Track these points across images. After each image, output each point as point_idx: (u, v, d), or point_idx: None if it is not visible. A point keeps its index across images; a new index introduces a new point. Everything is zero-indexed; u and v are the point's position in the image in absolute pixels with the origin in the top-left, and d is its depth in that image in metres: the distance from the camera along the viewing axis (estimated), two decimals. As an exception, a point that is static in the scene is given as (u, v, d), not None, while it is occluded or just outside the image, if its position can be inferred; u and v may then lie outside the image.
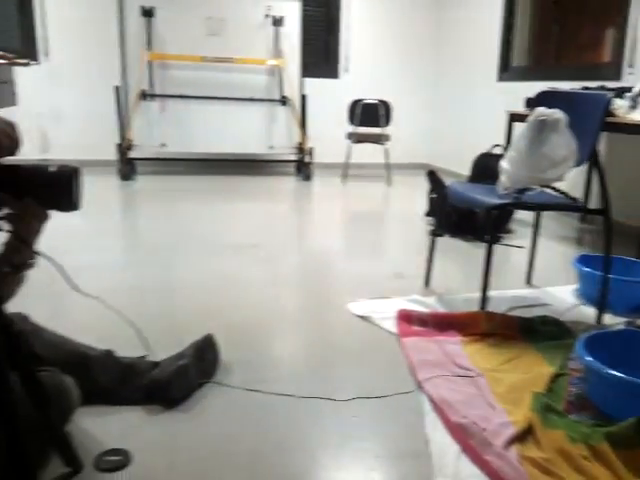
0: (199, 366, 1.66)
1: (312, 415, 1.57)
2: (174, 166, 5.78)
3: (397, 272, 2.82)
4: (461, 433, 1.47)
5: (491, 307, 2.18)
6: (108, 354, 1.60)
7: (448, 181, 2.93)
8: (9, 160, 0.97)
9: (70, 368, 1.40)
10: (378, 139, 5.52)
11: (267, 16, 5.41)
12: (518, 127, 3.30)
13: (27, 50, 5.38)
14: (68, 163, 1.00)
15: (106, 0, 5.32)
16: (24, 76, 4.35)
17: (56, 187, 0.96)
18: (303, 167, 5.67)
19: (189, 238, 3.41)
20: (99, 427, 1.46)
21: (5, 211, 0.98)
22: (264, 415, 1.56)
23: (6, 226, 1.00)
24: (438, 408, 1.58)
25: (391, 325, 2.13)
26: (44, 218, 1.02)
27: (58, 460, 1.27)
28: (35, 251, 1.05)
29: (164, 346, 1.77)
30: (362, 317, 2.22)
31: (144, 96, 5.25)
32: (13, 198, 0.97)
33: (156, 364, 1.64)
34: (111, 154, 5.26)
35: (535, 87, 2.80)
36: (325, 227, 3.97)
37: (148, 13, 5.15)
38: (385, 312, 2.22)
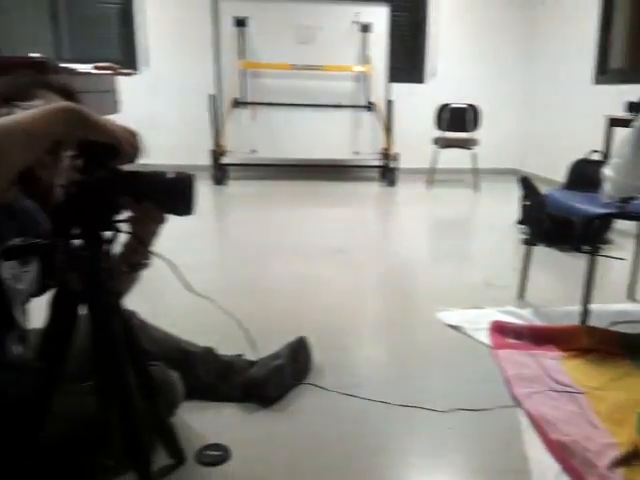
0: (293, 367, 1.70)
1: (407, 423, 1.56)
2: (263, 171, 5.93)
3: (487, 281, 2.75)
4: (562, 452, 1.41)
5: (592, 322, 2.09)
6: (208, 351, 1.66)
7: (541, 188, 2.83)
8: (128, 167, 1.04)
9: (173, 363, 1.46)
10: (465, 144, 5.42)
11: (355, 23, 5.45)
12: (619, 132, 3.13)
13: (128, 60, 5.71)
14: (180, 169, 1.05)
15: (201, 11, 5.54)
16: (124, 85, 4.63)
17: (174, 193, 1.00)
18: (388, 172, 5.66)
19: (278, 242, 3.49)
20: (199, 422, 1.52)
21: (126, 214, 1.04)
22: (359, 420, 1.57)
23: (126, 228, 1.06)
24: (537, 425, 1.53)
25: (484, 336, 2.08)
26: (161, 221, 1.08)
27: (162, 452, 1.33)
28: (151, 252, 1.11)
29: (258, 346, 1.81)
30: (453, 327, 2.18)
31: (236, 104, 5.43)
32: (134, 202, 1.03)
33: (252, 363, 1.69)
34: (204, 159, 5.46)
35: (637, 90, 2.65)
36: (411, 233, 3.94)
37: (241, 23, 5.33)
38: (478, 323, 2.17)
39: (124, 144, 0.96)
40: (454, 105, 5.38)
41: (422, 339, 2.13)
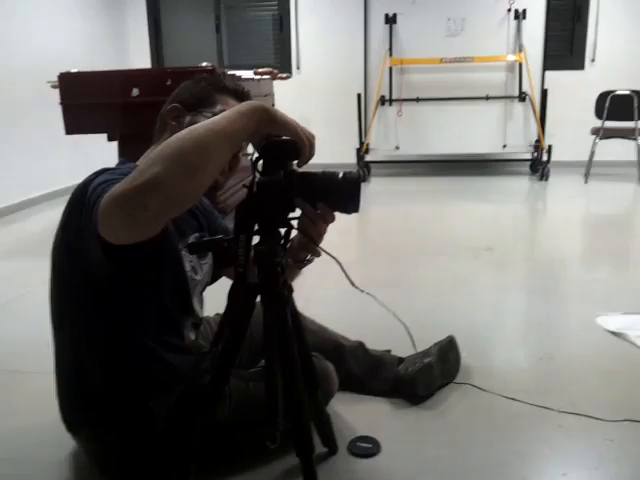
0: (442, 366, 1.69)
1: (566, 431, 1.50)
2: (407, 168, 5.92)
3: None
4: None
5: None
6: (360, 345, 1.71)
7: None
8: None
9: (326, 355, 1.52)
10: (630, 134, 4.97)
11: (509, 10, 5.24)
12: None
13: (282, 64, 6.00)
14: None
15: (352, 11, 5.66)
16: (277, 88, 4.88)
17: (344, 193, 1.05)
18: (540, 166, 5.37)
19: (423, 239, 3.48)
20: (349, 413, 1.57)
21: (299, 213, 1.10)
22: (513, 423, 1.54)
23: (298, 224, 1.12)
24: None
25: (650, 345, 1.93)
26: (332, 221, 1.13)
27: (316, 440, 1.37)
28: (321, 249, 1.16)
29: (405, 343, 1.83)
30: (614, 333, 2.04)
31: (383, 102, 5.48)
32: (307, 202, 1.08)
33: (401, 359, 1.71)
34: (349, 158, 5.57)
35: None
36: (564, 231, 3.71)
37: (391, 20, 5.36)
38: (643, 330, 2.02)
39: (305, 143, 1.04)
40: (618, 92, 4.95)
41: (579, 345, 2.02)
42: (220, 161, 0.95)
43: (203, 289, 1.46)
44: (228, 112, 0.98)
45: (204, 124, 0.94)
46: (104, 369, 1.24)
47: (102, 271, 1.10)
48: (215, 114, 1.07)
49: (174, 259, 1.26)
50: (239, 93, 1.31)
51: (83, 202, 1.06)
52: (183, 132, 0.92)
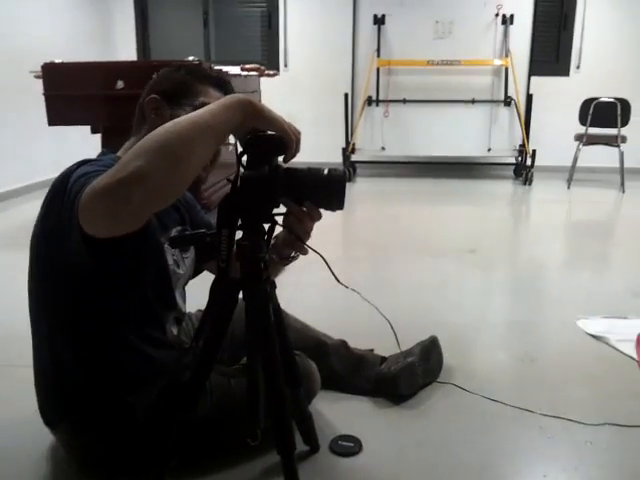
0: (424, 366, 1.69)
1: (546, 433, 1.50)
2: (393, 169, 5.94)
3: (634, 290, 2.56)
4: None
5: None
6: (343, 344, 1.70)
7: None
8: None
9: (308, 353, 1.51)
10: (612, 141, 5.04)
11: (497, 15, 5.28)
12: None
13: (270, 61, 5.98)
14: (336, 166, 1.09)
15: (341, 11, 5.66)
16: (264, 85, 4.86)
17: (330, 189, 1.04)
18: (523, 170, 5.42)
19: (407, 240, 3.49)
20: (331, 412, 1.56)
21: (284, 209, 1.09)
22: (494, 424, 1.54)
23: (284, 222, 1.11)
24: (691, 448, 1.41)
25: (630, 348, 1.95)
26: (318, 219, 1.12)
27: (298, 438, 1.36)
28: (308, 247, 1.15)
29: (388, 342, 1.83)
30: (595, 336, 2.06)
31: (369, 102, 5.49)
32: (294, 201, 1.07)
33: (384, 359, 1.71)
34: (335, 157, 5.57)
35: None
36: (547, 235, 3.75)
37: (380, 21, 5.37)
38: (623, 334, 2.03)
39: (292, 138, 1.02)
40: (601, 99, 5.01)
41: (561, 346, 2.03)
42: (204, 155, 0.94)
43: (185, 283, 1.45)
44: (213, 105, 0.96)
45: (188, 117, 0.92)
46: (83, 362, 1.21)
47: (83, 263, 1.07)
48: (196, 107, 1.06)
49: (156, 252, 1.24)
50: (221, 82, 1.28)
51: (64, 193, 1.04)
52: (167, 125, 0.90)
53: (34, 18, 4.76)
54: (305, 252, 1.16)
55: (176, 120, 0.91)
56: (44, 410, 1.29)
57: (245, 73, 4.04)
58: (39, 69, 3.32)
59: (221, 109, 0.95)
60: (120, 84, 3.21)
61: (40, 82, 3.32)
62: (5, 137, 4.45)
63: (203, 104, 1.06)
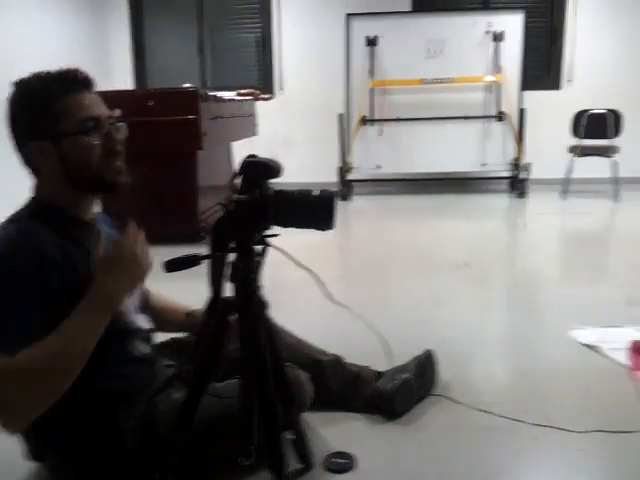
0: (420, 381, 1.71)
1: (539, 443, 1.52)
2: (389, 186, 6.00)
3: (629, 299, 2.58)
4: None
5: None
6: (338, 360, 1.70)
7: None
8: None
9: (303, 370, 1.50)
10: (605, 151, 5.09)
11: (488, 32, 5.38)
12: None
13: (265, 85, 6.07)
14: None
15: (334, 34, 5.74)
16: (260, 108, 4.94)
17: (319, 209, 1.08)
18: (518, 184, 5.47)
19: (403, 255, 3.52)
20: (326, 429, 1.57)
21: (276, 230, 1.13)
22: (488, 436, 1.56)
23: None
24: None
25: (622, 356, 1.97)
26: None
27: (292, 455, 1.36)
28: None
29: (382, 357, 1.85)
30: (588, 346, 2.09)
31: (364, 122, 5.56)
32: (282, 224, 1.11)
33: (380, 374, 1.72)
34: (331, 177, 5.59)
35: None
36: (542, 247, 3.78)
37: (372, 42, 5.47)
38: (616, 342, 2.06)
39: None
40: (593, 111, 5.08)
41: (554, 358, 2.06)
42: (85, 356, 1.07)
43: (140, 303, 1.42)
44: (81, 321, 1.07)
45: (61, 344, 1.04)
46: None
47: None
48: (79, 124, 1.12)
49: None
50: (79, 80, 1.19)
51: None
52: (44, 355, 1.02)
53: (32, 56, 4.84)
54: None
55: (51, 349, 1.03)
56: (30, 447, 1.29)
57: (240, 98, 4.12)
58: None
59: (88, 321, 1.08)
60: (117, 112, 3.26)
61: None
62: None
63: (84, 120, 1.13)
